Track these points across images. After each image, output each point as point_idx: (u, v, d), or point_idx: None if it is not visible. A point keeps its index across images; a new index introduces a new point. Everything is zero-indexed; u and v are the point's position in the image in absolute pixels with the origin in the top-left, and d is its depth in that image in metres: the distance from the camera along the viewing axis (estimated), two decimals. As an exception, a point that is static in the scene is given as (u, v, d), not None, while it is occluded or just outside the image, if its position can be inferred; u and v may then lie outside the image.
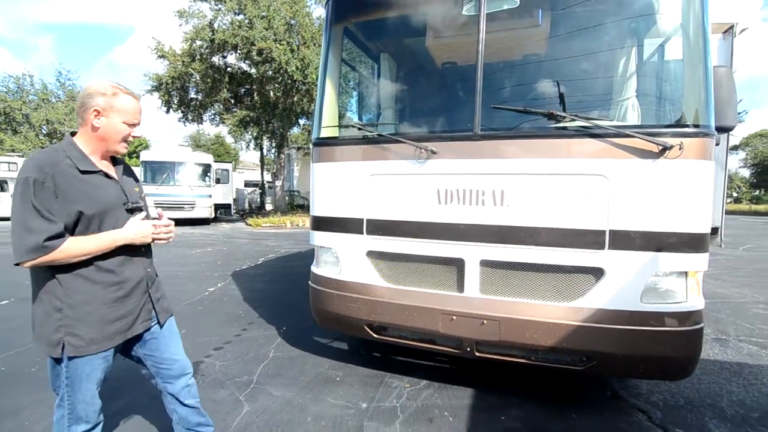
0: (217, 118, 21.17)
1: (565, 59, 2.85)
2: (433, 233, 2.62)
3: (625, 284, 2.29)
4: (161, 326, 1.83)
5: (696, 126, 2.23)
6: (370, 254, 2.83)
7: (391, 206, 2.74)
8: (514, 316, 2.44)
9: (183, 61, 16.32)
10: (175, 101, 18.96)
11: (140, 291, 1.72)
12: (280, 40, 14.44)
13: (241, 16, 14.92)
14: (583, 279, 2.38)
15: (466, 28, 2.68)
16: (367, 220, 2.80)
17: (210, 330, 4.09)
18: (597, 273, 2.34)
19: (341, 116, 3.41)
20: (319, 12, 17.09)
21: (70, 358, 1.54)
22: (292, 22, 14.99)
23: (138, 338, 1.77)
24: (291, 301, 5.15)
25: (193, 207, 16.76)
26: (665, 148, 2.18)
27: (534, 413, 2.60)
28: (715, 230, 3.71)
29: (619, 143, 2.27)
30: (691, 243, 2.23)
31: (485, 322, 2.48)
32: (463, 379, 3.03)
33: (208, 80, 16.67)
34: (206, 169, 17.64)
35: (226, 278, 6.54)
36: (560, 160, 2.36)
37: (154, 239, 1.71)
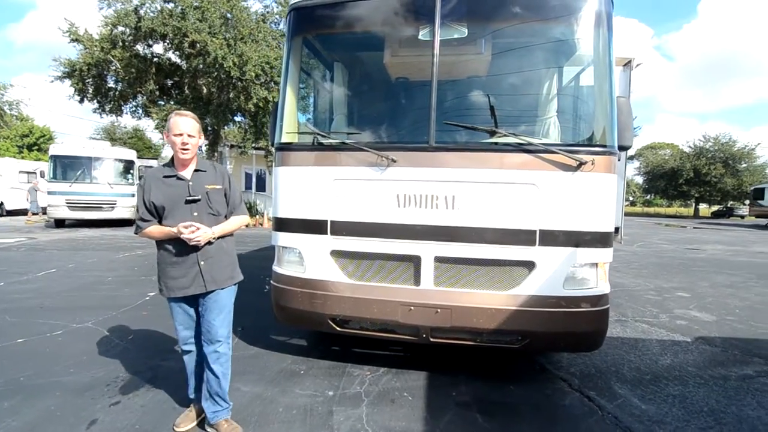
0: (140, 111, 19.60)
1: (504, 83, 3.32)
2: (393, 233, 2.91)
3: (551, 274, 2.77)
4: (207, 293, 2.35)
5: (604, 146, 2.78)
6: (334, 253, 3.04)
7: (354, 209, 2.98)
8: (464, 304, 2.82)
9: (102, 47, 14.91)
10: (91, 90, 17.23)
11: (190, 262, 2.29)
12: (216, 34, 13.85)
13: (171, 5, 14.05)
14: (518, 271, 2.82)
15: (421, 50, 3.01)
16: (332, 221, 3.01)
17: (160, 335, 3.99)
18: (529, 265, 2.79)
19: (304, 123, 3.57)
20: (257, 7, 16.66)
21: (165, 297, 2.36)
22: (228, 15, 14.45)
23: (201, 299, 2.37)
24: (242, 303, 5.10)
25: (113, 207, 15.39)
26: (581, 163, 2.68)
27: (479, 388, 3.01)
28: (616, 229, 4.46)
29: (547, 158, 2.74)
30: (600, 239, 2.77)
31: (439, 310, 2.83)
32: (417, 364, 3.37)
33: (132, 70, 15.40)
34: (128, 165, 16.29)
35: (165, 282, 6.26)
36: (501, 171, 2.79)
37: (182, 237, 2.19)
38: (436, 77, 2.85)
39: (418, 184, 2.86)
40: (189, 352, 2.48)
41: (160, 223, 2.28)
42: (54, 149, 15.23)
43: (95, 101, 17.67)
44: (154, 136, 41.61)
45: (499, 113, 2.97)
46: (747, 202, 35.61)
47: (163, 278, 2.33)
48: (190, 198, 2.28)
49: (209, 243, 2.31)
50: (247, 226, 2.25)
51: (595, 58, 2.96)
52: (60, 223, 15.14)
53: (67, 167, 14.98)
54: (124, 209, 15.66)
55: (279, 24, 17.35)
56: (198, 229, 2.19)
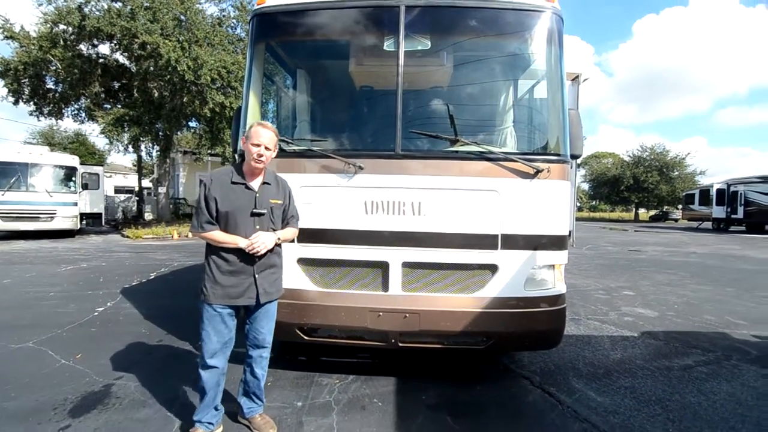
0: (83, 114, 18.41)
1: (466, 94, 3.46)
2: (361, 240, 2.93)
3: (512, 276, 2.90)
4: (260, 305, 2.39)
5: (558, 155, 2.96)
6: (301, 261, 3.02)
7: (321, 216, 2.97)
8: (431, 308, 2.88)
9: (41, 46, 13.92)
10: (27, 91, 16.02)
11: (247, 274, 2.32)
12: (168, 36, 13.32)
13: (119, 4, 13.38)
14: (482, 274, 2.93)
15: (386, 60, 3.07)
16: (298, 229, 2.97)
17: (113, 351, 3.74)
18: (492, 269, 2.91)
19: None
20: (212, 10, 16.23)
21: (201, 301, 2.34)
22: (182, 17, 13.96)
23: (252, 309, 2.42)
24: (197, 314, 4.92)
25: (52, 217, 14.24)
26: (538, 171, 2.84)
27: (447, 390, 3.07)
28: (569, 233, 4.73)
29: (507, 166, 2.88)
30: (556, 242, 2.94)
31: (407, 315, 2.87)
32: (385, 370, 3.39)
33: (75, 71, 14.49)
34: (70, 172, 15.13)
35: (115, 296, 5.89)
36: (464, 178, 2.89)
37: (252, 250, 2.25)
38: (401, 87, 2.92)
39: (385, 191, 2.90)
40: (213, 368, 2.35)
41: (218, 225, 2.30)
42: (-17, 154, 13.90)
43: (32, 103, 16.50)
44: (99, 142, 39.15)
45: (461, 123, 3.09)
46: (680, 206, 38.82)
47: (211, 284, 2.29)
48: (257, 211, 2.31)
49: (268, 252, 2.34)
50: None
51: (548, 72, 3.16)
52: (-10, 236, 13.85)
53: (0, 174, 13.74)
54: (65, 219, 14.55)
55: (236, 28, 17.00)
56: (259, 236, 2.25)
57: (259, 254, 2.26)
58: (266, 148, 2.30)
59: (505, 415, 2.74)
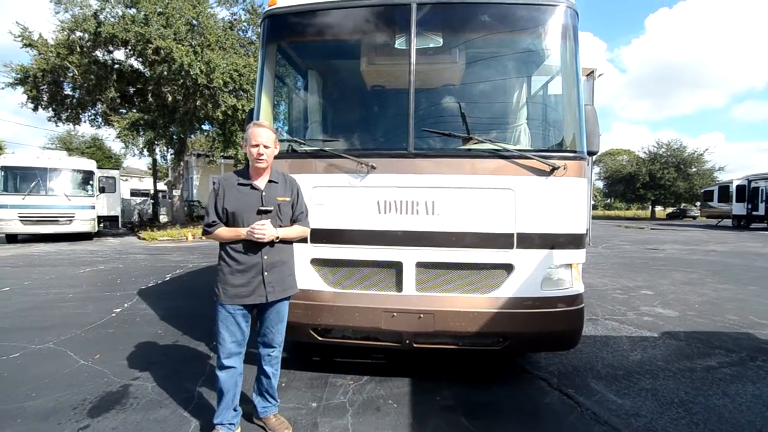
0: (100, 119, 18.77)
1: (479, 91, 3.41)
2: (374, 240, 2.91)
3: (529, 276, 2.85)
4: (267, 303, 2.38)
5: (574, 151, 2.90)
6: (314, 261, 3.01)
7: (334, 216, 2.96)
8: (446, 308, 2.84)
9: (58, 53, 14.23)
10: (46, 98, 16.39)
11: (254, 272, 2.32)
12: (181, 40, 13.50)
13: (133, 11, 13.60)
14: (498, 273, 2.88)
15: (398, 59, 3.05)
16: (311, 229, 2.96)
17: (130, 352, 3.80)
18: (508, 268, 2.86)
19: (281, 131, 3.54)
20: (223, 14, 16.42)
21: (215, 302, 2.36)
22: (194, 22, 14.13)
23: (262, 308, 2.42)
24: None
25: (71, 220, 14.58)
26: (554, 168, 2.79)
27: (462, 391, 3.03)
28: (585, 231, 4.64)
29: (522, 163, 2.83)
30: (574, 241, 2.87)
31: (422, 316, 2.84)
32: (399, 370, 3.36)
33: (91, 77, 14.74)
34: (87, 176, 15.50)
35: (132, 298, 5.98)
36: (479, 176, 2.85)
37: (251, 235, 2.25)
38: (413, 85, 2.90)
39: (398, 191, 2.88)
40: (229, 368, 2.37)
41: (227, 226, 2.35)
42: (5, 160, 14.36)
43: (50, 109, 16.87)
44: (115, 146, 39.97)
45: (474, 121, 3.05)
46: (698, 203, 37.90)
47: (222, 284, 2.33)
48: (263, 208, 2.33)
49: (272, 244, 2.34)
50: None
51: (563, 67, 3.10)
52: (12, 239, 14.22)
53: (20, 179, 14.13)
54: (84, 222, 14.88)
55: (247, 32, 17.16)
56: (265, 224, 2.26)
57: (261, 240, 2.24)
58: (265, 146, 2.31)
59: (523, 417, 2.69)
